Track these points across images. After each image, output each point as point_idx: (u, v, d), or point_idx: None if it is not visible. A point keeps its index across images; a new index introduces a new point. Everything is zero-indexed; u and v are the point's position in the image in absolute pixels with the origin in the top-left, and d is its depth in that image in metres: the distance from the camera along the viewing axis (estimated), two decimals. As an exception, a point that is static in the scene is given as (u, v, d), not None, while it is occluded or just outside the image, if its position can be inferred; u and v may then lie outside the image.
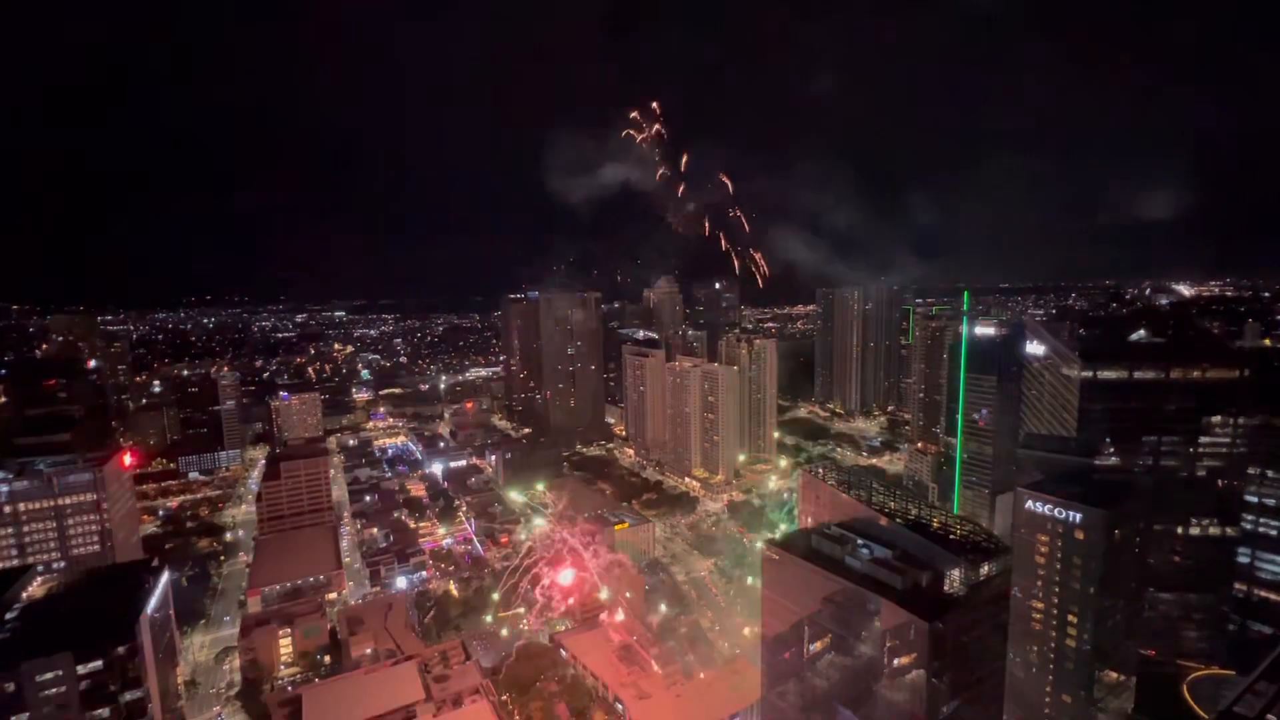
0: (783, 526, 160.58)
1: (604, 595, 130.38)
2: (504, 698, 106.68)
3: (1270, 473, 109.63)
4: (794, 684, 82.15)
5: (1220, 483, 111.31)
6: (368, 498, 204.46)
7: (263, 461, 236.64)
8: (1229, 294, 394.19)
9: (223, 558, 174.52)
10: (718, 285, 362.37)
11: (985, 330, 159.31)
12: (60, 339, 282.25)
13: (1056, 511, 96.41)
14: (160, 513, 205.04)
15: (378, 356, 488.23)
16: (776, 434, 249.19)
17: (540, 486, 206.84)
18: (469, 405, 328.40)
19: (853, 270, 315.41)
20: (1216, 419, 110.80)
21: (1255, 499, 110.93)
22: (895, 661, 69.54)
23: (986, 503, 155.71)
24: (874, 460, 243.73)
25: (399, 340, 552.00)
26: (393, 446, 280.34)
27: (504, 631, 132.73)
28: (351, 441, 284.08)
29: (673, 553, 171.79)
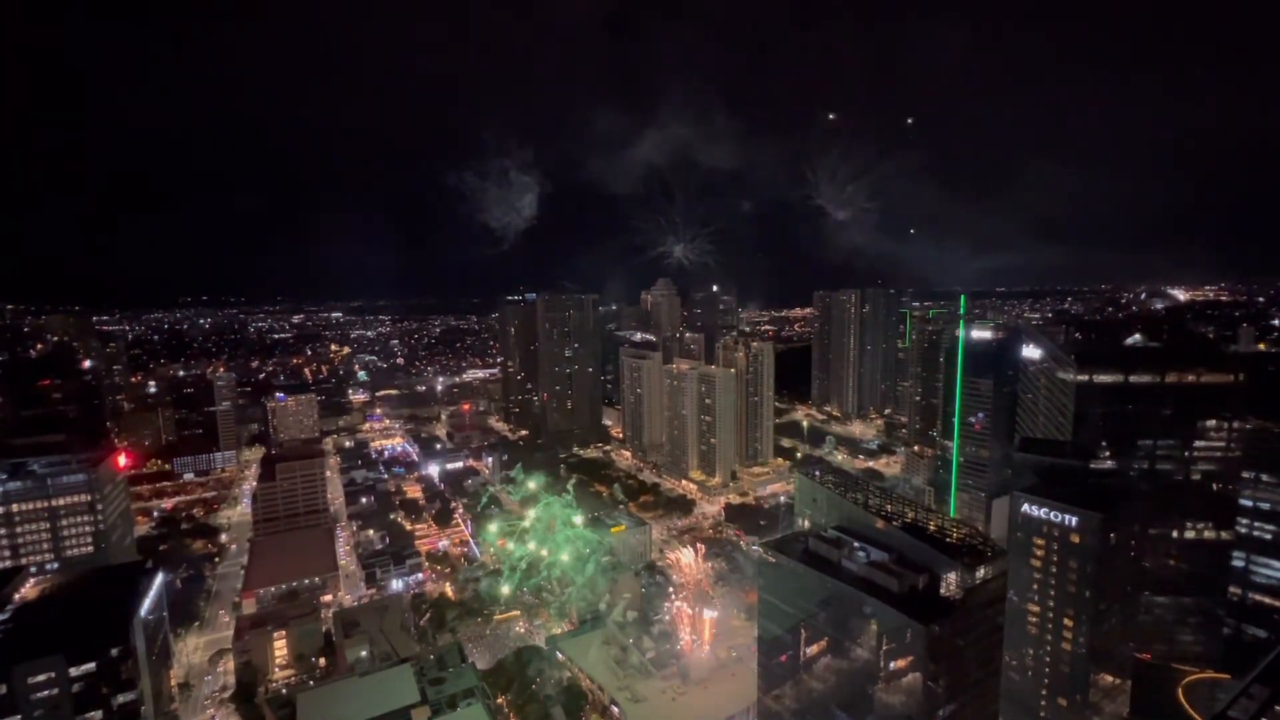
0: (780, 529, 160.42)
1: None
2: (499, 701, 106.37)
3: (1265, 477, 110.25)
4: (790, 687, 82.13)
5: (1215, 487, 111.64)
6: (364, 499, 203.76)
7: (258, 463, 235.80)
8: (1224, 299, 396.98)
9: (217, 559, 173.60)
10: (715, 288, 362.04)
11: (981, 334, 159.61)
12: (55, 339, 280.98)
13: (1052, 515, 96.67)
14: (155, 514, 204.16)
15: (375, 358, 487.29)
16: (774, 437, 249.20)
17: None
18: (466, 407, 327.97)
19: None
20: (1212, 423, 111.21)
21: (1250, 503, 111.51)
22: (892, 665, 69.58)
23: (983, 506, 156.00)
24: (871, 463, 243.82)
25: (396, 341, 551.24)
26: (389, 448, 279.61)
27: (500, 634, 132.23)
28: (348, 443, 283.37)
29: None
